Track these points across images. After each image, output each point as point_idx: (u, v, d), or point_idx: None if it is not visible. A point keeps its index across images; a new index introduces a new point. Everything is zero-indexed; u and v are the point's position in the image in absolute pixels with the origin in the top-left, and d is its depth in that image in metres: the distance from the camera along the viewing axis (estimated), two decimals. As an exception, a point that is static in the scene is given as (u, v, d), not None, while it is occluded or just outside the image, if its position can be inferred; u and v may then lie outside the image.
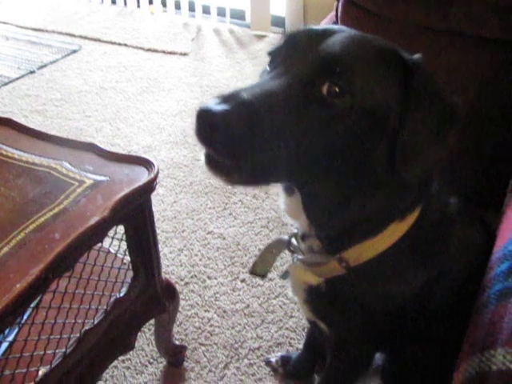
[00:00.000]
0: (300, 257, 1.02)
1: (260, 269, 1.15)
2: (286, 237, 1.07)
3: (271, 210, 2.11)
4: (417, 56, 0.83)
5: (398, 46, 0.85)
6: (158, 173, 1.12)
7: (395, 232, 0.91)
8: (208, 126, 0.71)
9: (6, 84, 3.13)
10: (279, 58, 0.84)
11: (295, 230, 1.04)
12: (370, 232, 0.90)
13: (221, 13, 3.97)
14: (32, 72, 3.27)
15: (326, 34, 0.83)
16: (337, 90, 0.75)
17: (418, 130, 0.80)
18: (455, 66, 1.65)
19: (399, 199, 0.88)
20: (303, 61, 0.79)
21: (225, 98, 0.73)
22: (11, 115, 2.76)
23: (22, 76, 3.23)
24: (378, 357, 1.32)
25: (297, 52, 0.82)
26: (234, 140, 0.71)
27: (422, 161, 0.82)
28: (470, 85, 1.67)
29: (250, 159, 0.73)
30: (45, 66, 3.35)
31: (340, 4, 1.82)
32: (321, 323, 1.09)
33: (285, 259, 1.76)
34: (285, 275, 1.13)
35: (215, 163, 0.76)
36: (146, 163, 1.15)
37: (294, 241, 1.05)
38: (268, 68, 0.86)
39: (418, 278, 0.96)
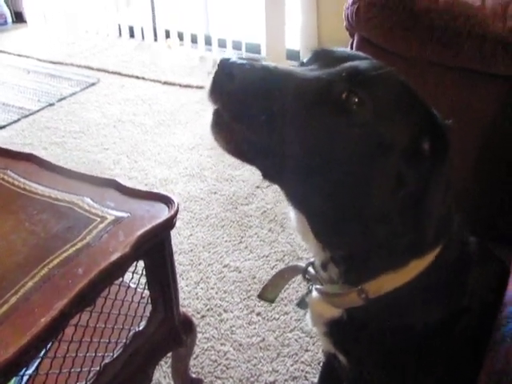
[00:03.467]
0: (318, 286, 1.02)
1: (270, 294, 1.16)
2: (302, 264, 1.08)
3: (287, 243, 2.12)
4: (449, 122, 0.86)
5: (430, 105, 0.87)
6: (177, 209, 1.15)
7: (415, 268, 0.92)
8: (226, 74, 0.74)
9: (26, 116, 3.19)
10: (311, 62, 0.87)
11: (312, 259, 1.04)
12: (390, 266, 0.91)
13: (236, 46, 4.03)
14: (51, 104, 3.34)
15: (361, 57, 0.87)
16: (356, 99, 0.77)
17: (437, 197, 0.83)
18: (467, 101, 1.68)
19: (418, 235, 0.88)
20: (333, 66, 0.82)
21: (249, 58, 0.76)
22: (31, 147, 2.82)
23: (42, 108, 3.30)
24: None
25: (330, 60, 0.84)
26: (247, 97, 0.73)
27: (434, 220, 0.85)
28: (480, 121, 1.70)
29: (255, 123, 0.75)
30: (64, 98, 3.42)
31: (355, 41, 1.86)
32: (340, 356, 1.08)
33: (300, 292, 1.77)
34: (302, 304, 1.13)
35: (220, 122, 0.78)
36: (167, 200, 1.17)
37: (311, 269, 1.05)
38: None
39: (437, 313, 0.97)
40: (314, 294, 1.05)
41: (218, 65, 0.75)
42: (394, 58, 1.71)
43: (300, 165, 0.79)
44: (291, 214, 0.95)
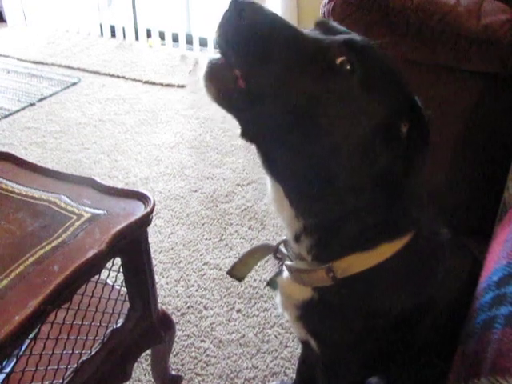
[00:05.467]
0: (287, 263, 1.03)
1: (239, 271, 1.17)
2: (273, 243, 1.10)
3: (266, 240, 2.13)
4: (429, 112, 0.89)
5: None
6: (153, 206, 1.15)
7: (384, 252, 0.94)
8: (237, 11, 0.77)
9: (6, 116, 3.17)
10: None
11: (284, 237, 1.05)
12: (360, 246, 0.93)
13: (218, 45, 4.03)
14: (32, 104, 3.32)
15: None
16: (348, 66, 0.81)
17: (417, 168, 0.87)
18: (443, 97, 1.70)
19: (391, 217, 0.91)
20: (332, 35, 0.86)
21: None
22: (11, 147, 2.80)
23: (23, 108, 3.27)
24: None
25: (330, 30, 0.90)
26: (252, 37, 0.77)
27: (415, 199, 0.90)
28: (458, 116, 1.72)
29: (253, 67, 0.79)
30: (45, 98, 3.40)
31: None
32: (312, 341, 1.09)
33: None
34: (273, 284, 1.13)
35: (214, 70, 0.82)
36: (143, 197, 1.18)
37: (282, 248, 1.07)
38: None
39: (405, 301, 0.99)
40: (285, 274, 1.06)
41: (231, 2, 0.77)
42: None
43: (283, 118, 0.82)
44: (267, 183, 0.97)
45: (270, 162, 0.90)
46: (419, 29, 1.60)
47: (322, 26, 0.92)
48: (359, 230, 0.91)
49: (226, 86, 0.81)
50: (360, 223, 0.91)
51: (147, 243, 1.21)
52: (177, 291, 1.91)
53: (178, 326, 1.72)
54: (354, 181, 0.86)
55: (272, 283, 1.13)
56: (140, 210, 1.14)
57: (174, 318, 1.60)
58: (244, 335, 1.74)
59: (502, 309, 0.80)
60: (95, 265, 1.05)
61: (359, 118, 0.82)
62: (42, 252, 1.05)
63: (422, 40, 1.61)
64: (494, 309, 0.83)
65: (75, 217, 1.14)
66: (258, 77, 0.79)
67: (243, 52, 0.78)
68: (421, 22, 1.60)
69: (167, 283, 1.94)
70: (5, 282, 0.98)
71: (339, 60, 0.81)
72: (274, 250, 1.08)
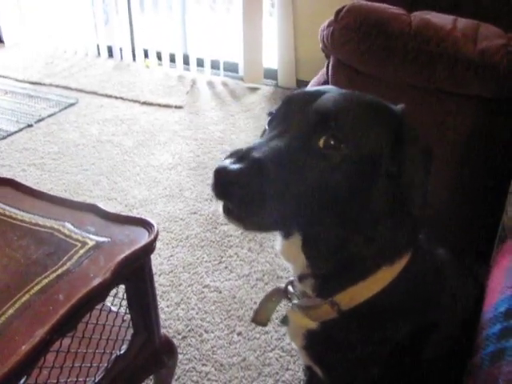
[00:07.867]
0: (295, 301, 1.06)
1: (262, 317, 1.18)
2: (282, 285, 1.12)
3: (266, 262, 2.14)
4: (400, 106, 0.93)
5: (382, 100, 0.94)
6: (157, 234, 1.16)
7: (384, 277, 0.95)
8: (226, 182, 0.80)
9: (4, 138, 3.17)
10: (278, 118, 0.93)
11: (291, 278, 1.08)
12: (359, 275, 0.94)
13: (215, 66, 4.06)
14: (30, 125, 3.32)
15: (319, 93, 0.92)
16: (332, 142, 0.84)
17: (415, 171, 0.89)
18: (442, 120, 1.71)
19: (389, 243, 0.93)
20: (301, 119, 0.88)
21: (239, 158, 0.81)
22: (9, 169, 2.81)
23: (21, 129, 3.28)
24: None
25: (294, 111, 0.90)
26: (249, 194, 0.80)
27: (422, 194, 0.90)
28: (456, 139, 1.73)
29: (262, 210, 0.81)
30: (43, 119, 3.41)
31: (331, 63, 1.89)
32: (317, 368, 1.10)
33: (280, 312, 1.79)
34: (284, 320, 1.16)
35: (232, 212, 0.83)
36: (146, 224, 1.19)
37: (290, 288, 1.09)
38: (267, 127, 0.94)
39: (407, 325, 0.99)
40: (294, 308, 1.08)
41: (215, 175, 0.81)
42: (370, 80, 1.74)
43: (310, 215, 0.87)
44: (278, 240, 1.00)
45: (306, 238, 0.94)
46: (417, 54, 1.62)
47: (291, 100, 0.94)
48: (360, 262, 0.94)
49: (245, 222, 0.84)
50: (362, 256, 0.93)
51: (151, 270, 1.21)
52: (177, 314, 1.90)
53: (179, 350, 1.71)
54: (378, 214, 0.90)
55: (284, 321, 1.15)
56: (144, 238, 1.15)
57: (175, 342, 1.60)
58: (245, 358, 1.74)
59: (511, 341, 0.80)
60: (100, 293, 1.05)
61: (370, 164, 0.86)
62: (46, 280, 1.06)
63: (420, 65, 1.63)
64: (503, 341, 0.83)
65: (79, 244, 1.15)
66: (269, 212, 0.82)
67: (249, 206, 0.81)
68: (419, 47, 1.62)
69: (167, 306, 1.94)
70: (10, 311, 0.99)
71: (321, 143, 0.84)
72: (284, 291, 1.11)
